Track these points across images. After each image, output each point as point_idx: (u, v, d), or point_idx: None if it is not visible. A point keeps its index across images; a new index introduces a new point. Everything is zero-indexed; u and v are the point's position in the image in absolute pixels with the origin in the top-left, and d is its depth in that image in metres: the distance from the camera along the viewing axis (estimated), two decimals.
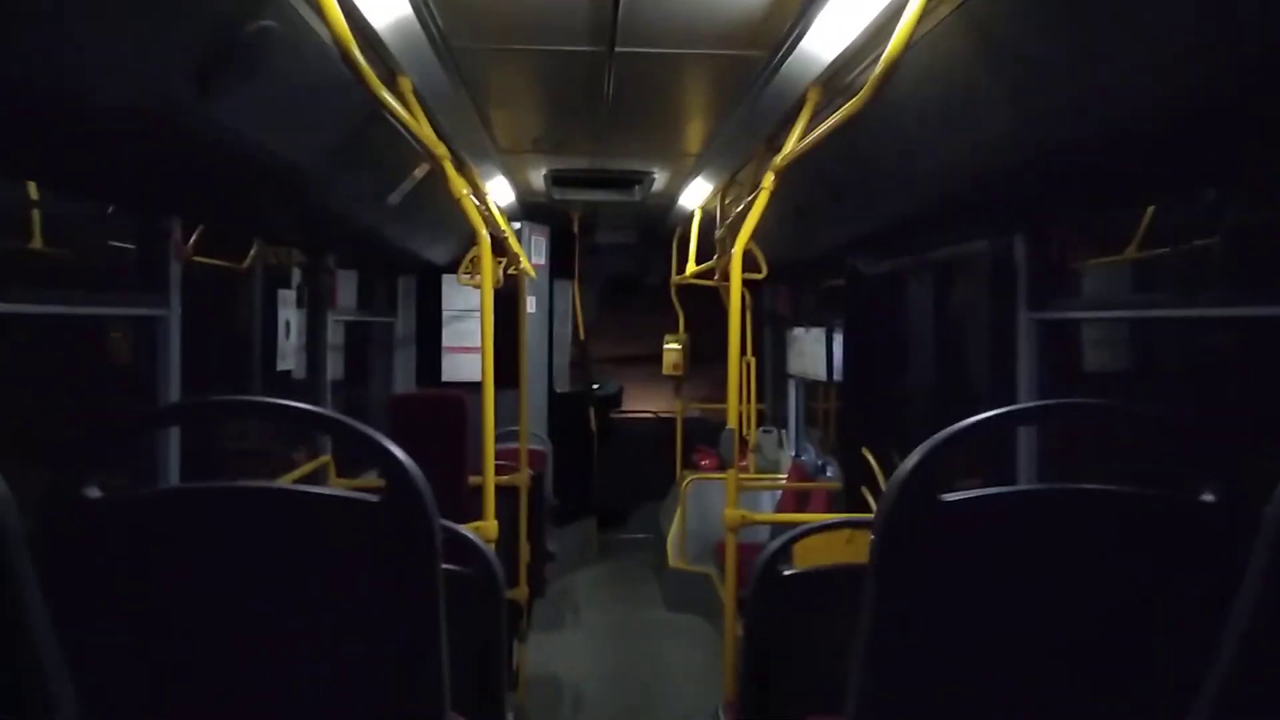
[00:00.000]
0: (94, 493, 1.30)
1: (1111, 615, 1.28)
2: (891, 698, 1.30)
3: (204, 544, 1.33)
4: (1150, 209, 2.95)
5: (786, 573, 2.29)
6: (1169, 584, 1.28)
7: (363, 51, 2.07)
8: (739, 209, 3.54)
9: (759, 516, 3.68)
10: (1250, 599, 0.83)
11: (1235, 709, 0.85)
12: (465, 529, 2.18)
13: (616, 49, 2.70)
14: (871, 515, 1.33)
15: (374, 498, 1.31)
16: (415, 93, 2.67)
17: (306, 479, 4.09)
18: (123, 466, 3.05)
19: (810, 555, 2.86)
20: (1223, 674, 0.85)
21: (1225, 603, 0.87)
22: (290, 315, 4.41)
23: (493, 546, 2.61)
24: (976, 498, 1.25)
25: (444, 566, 1.37)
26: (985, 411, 1.30)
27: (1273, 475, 0.88)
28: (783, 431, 6.98)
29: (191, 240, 3.18)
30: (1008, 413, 1.31)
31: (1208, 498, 1.28)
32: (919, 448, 1.24)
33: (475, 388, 2.94)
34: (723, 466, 3.17)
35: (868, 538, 1.31)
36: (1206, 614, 0.97)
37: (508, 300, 4.85)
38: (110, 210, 3.43)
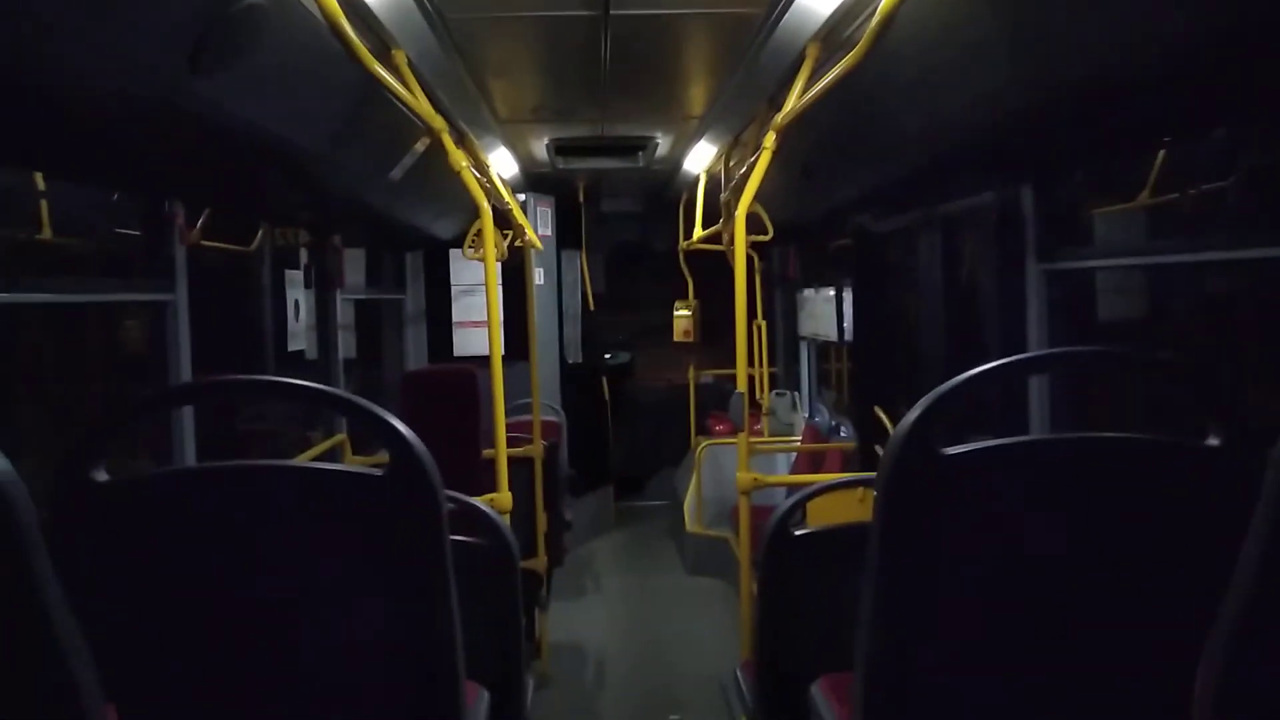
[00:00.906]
0: (102, 476, 1.32)
1: (1118, 563, 1.28)
2: (899, 653, 1.30)
3: (212, 523, 1.35)
4: (1160, 154, 2.91)
5: (798, 533, 2.30)
6: (1176, 529, 1.27)
7: (355, 26, 2.06)
8: (743, 171, 3.51)
9: (771, 479, 3.68)
10: (1258, 541, 0.83)
11: (1247, 652, 0.85)
12: (477, 501, 2.19)
13: (611, 11, 2.66)
14: None
15: (379, 471, 1.32)
16: (411, 66, 2.65)
17: (322, 457, 4.12)
18: (145, 450, 3.09)
19: (825, 515, 2.87)
20: (1232, 617, 0.85)
21: (1233, 546, 0.86)
22: (299, 295, 4.43)
23: (508, 518, 2.62)
24: (979, 450, 1.25)
25: (458, 539, 1.38)
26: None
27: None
28: (796, 394, 6.97)
29: (199, 225, 3.19)
30: (1009, 363, 1.30)
31: (1213, 442, 1.27)
32: (920, 401, 1.23)
33: (487, 361, 2.95)
34: (736, 431, 3.17)
35: (873, 497, 1.31)
36: (1215, 558, 0.96)
37: (515, 273, 4.84)
38: (115, 198, 3.45)
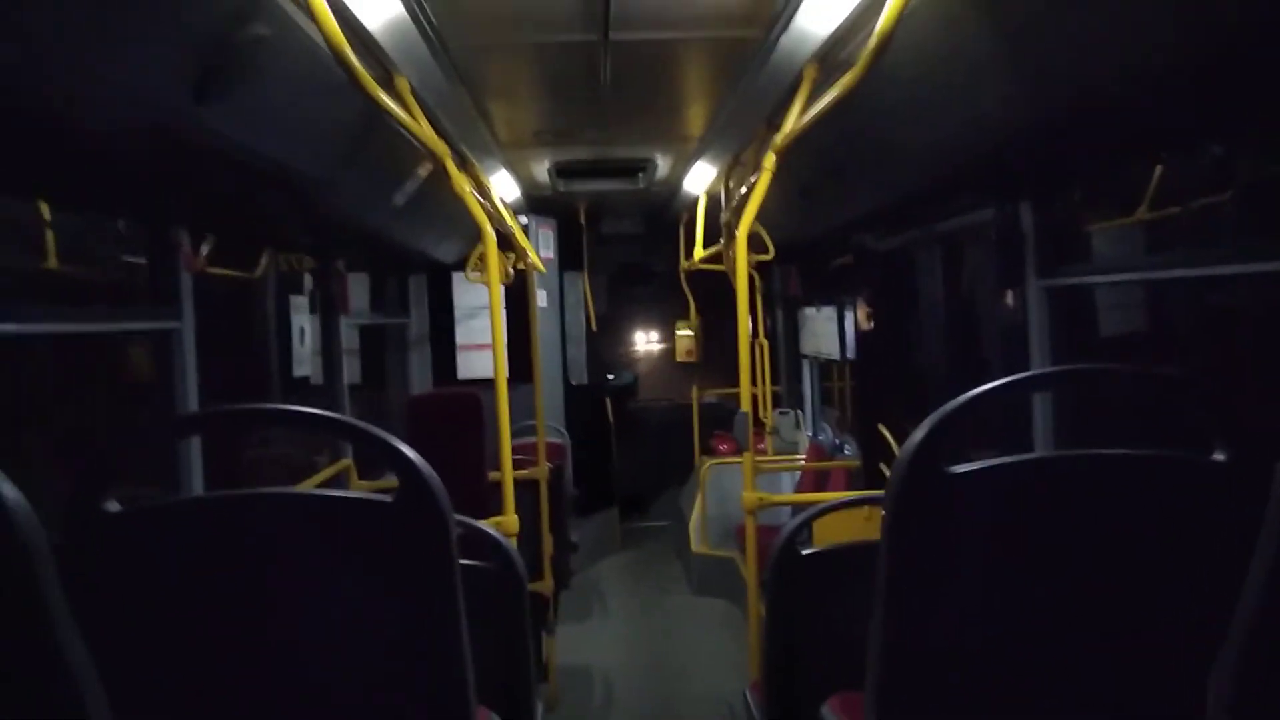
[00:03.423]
0: (113, 506, 1.32)
1: (1126, 578, 1.28)
2: (909, 671, 1.30)
3: (222, 551, 1.35)
4: (1158, 169, 2.92)
5: (805, 552, 2.30)
6: (1184, 544, 1.27)
7: (358, 53, 2.08)
8: (743, 191, 3.53)
9: (776, 498, 3.68)
10: (1266, 554, 0.83)
11: (1258, 664, 0.85)
12: (484, 524, 2.19)
13: (611, 35, 2.69)
14: None
15: (388, 498, 1.33)
16: (413, 92, 2.68)
17: (329, 483, 4.12)
18: (154, 480, 3.10)
19: (830, 534, 2.86)
20: (1243, 630, 0.85)
21: (1242, 559, 0.86)
22: (304, 321, 4.44)
23: (514, 541, 2.62)
24: (985, 468, 1.25)
25: (465, 562, 1.38)
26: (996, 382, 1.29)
27: None
28: (799, 412, 6.97)
29: (204, 252, 3.20)
30: (1013, 381, 1.30)
31: (1219, 457, 1.27)
32: (926, 420, 1.24)
33: (491, 384, 2.96)
34: (740, 450, 3.18)
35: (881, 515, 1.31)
36: (1224, 571, 0.96)
37: (518, 295, 4.86)
38: (121, 226, 3.47)
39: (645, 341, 8.91)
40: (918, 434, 1.24)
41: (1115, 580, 1.28)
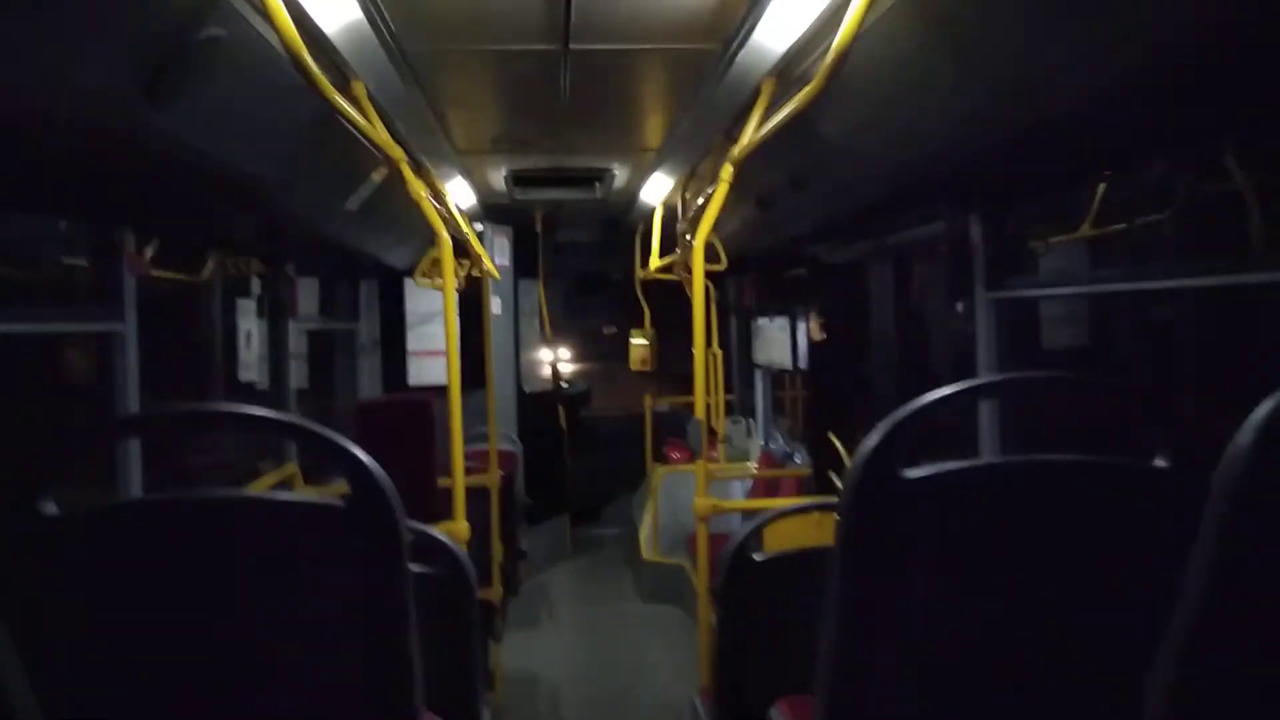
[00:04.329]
0: (50, 509, 1.28)
1: (1073, 581, 1.32)
2: (859, 676, 1.32)
3: (166, 556, 1.32)
4: (1101, 186, 3.01)
5: (756, 558, 2.32)
6: (1127, 547, 1.31)
7: (314, 56, 2.06)
8: (699, 202, 3.55)
9: (729, 505, 3.71)
10: (1203, 562, 0.86)
11: (1194, 666, 0.87)
12: (435, 530, 2.17)
13: (571, 46, 2.70)
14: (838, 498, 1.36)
15: (339, 503, 1.31)
16: (370, 96, 2.66)
17: (274, 488, 4.05)
18: (93, 484, 3.02)
19: (781, 541, 2.88)
20: (1180, 632, 0.88)
21: (1181, 562, 0.89)
22: (251, 325, 4.36)
23: (464, 547, 2.61)
24: (939, 473, 1.28)
25: (414, 568, 1.37)
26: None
27: (1223, 440, 0.90)
28: (751, 421, 7.02)
29: (149, 254, 3.14)
30: (967, 388, 1.33)
31: (1160, 463, 1.32)
32: (879, 425, 1.26)
33: (442, 391, 2.94)
34: (693, 458, 3.19)
35: (834, 520, 1.33)
36: (1164, 574, 0.99)
37: (472, 301, 4.84)
38: (64, 226, 3.38)
39: (599, 349, 8.91)
40: (873, 438, 1.27)
41: (1061, 583, 1.32)
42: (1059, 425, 3.27)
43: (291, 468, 4.33)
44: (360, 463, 1.30)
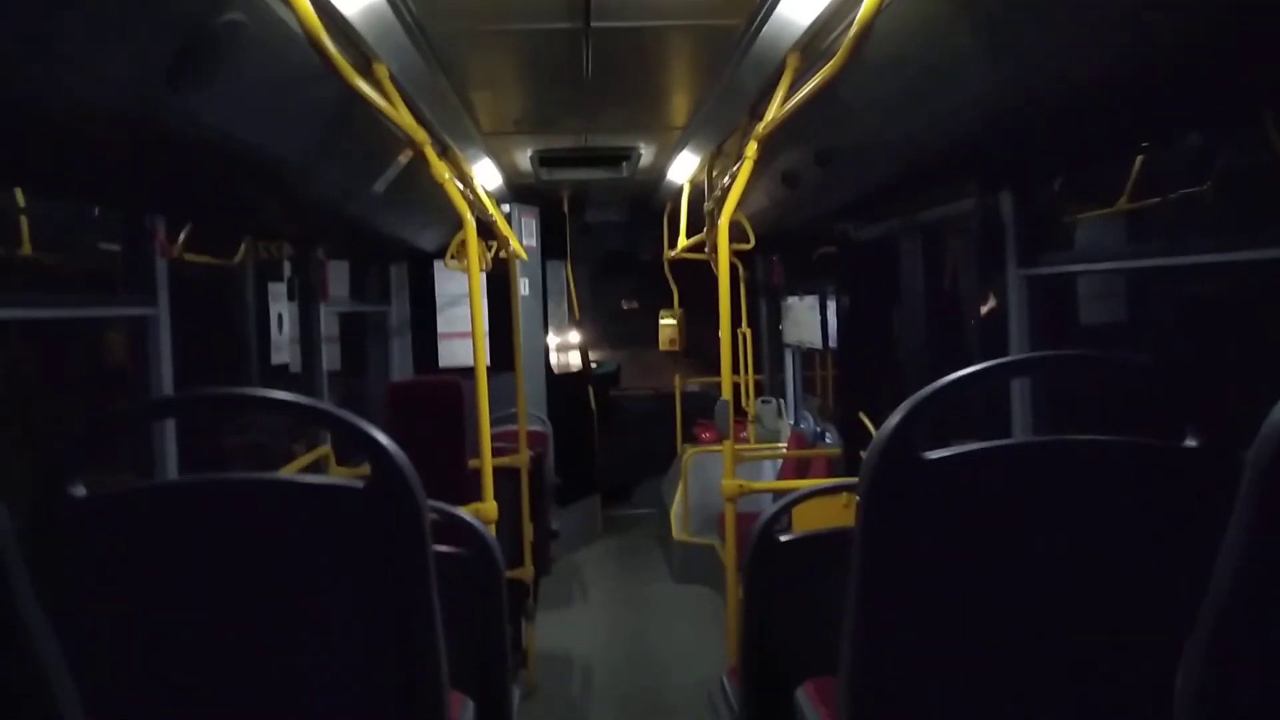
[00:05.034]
0: (80, 491, 1.31)
1: (1100, 563, 1.29)
2: (883, 656, 1.31)
3: (192, 537, 1.34)
4: (1138, 159, 2.94)
5: (783, 538, 2.31)
6: (1156, 529, 1.28)
7: (336, 40, 2.06)
8: (725, 181, 3.52)
9: (757, 485, 3.69)
10: (1236, 541, 0.84)
11: (1226, 651, 0.85)
12: (461, 511, 2.19)
13: (592, 23, 2.67)
14: None
15: (359, 483, 1.32)
16: (393, 79, 2.65)
17: (307, 470, 4.10)
18: (130, 468, 3.08)
19: (810, 521, 2.88)
20: (1212, 616, 0.86)
21: (1213, 545, 0.87)
22: (282, 308, 4.41)
23: (493, 528, 2.62)
24: (959, 454, 1.26)
25: (442, 549, 1.38)
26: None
27: (1256, 419, 0.88)
28: (781, 401, 6.99)
29: (181, 239, 3.17)
30: (990, 367, 1.31)
31: (1191, 443, 1.28)
32: (901, 406, 1.24)
33: (472, 372, 2.95)
34: (722, 438, 3.18)
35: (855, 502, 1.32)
36: (1195, 557, 0.97)
37: (501, 283, 4.84)
38: (96, 213, 3.43)
39: (628, 329, 8.91)
40: (893, 419, 1.25)
41: (1088, 564, 1.29)
42: (1100, 405, 3.22)
43: (325, 450, 4.38)
44: (379, 444, 1.31)
